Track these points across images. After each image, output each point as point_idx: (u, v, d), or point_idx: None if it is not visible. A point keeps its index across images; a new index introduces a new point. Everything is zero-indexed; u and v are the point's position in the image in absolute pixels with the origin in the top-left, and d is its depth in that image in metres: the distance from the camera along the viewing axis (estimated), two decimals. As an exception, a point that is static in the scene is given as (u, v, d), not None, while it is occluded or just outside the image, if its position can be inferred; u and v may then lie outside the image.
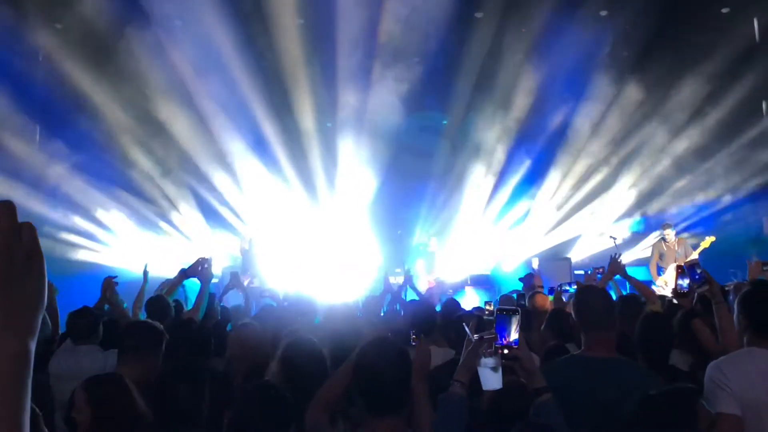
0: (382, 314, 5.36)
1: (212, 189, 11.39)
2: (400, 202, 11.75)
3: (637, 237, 11.35)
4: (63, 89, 9.86)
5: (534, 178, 11.70)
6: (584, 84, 10.83)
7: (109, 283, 4.96)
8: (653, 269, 9.25)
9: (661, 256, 9.27)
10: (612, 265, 4.91)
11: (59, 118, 10.21)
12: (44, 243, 0.73)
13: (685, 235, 10.46)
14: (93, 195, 10.63)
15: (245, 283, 6.58)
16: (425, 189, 11.78)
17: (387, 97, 10.51)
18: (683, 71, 10.35)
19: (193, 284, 5.08)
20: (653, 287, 6.88)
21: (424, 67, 10.69)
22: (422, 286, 9.48)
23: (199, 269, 4.77)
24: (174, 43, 9.90)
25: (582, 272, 8.34)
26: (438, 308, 5.23)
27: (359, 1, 9.83)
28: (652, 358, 3.17)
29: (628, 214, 11.63)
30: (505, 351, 2.19)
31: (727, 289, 4.19)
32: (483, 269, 11.02)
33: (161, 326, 3.31)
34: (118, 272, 9.18)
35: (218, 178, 11.25)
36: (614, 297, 4.13)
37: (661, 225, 9.69)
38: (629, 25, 10.18)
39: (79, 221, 10.60)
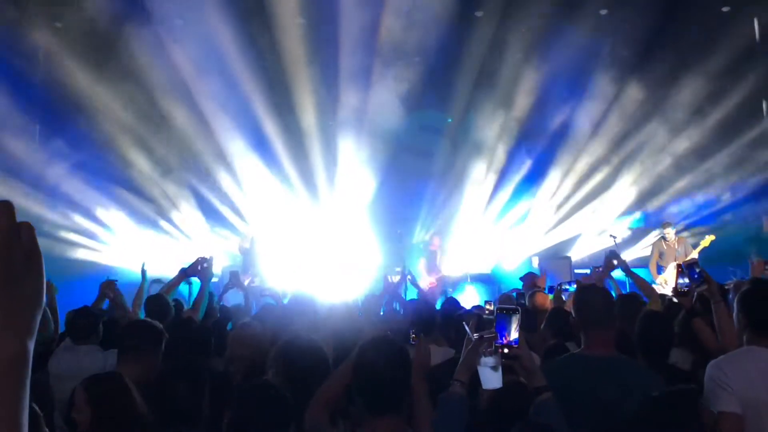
0: (381, 313, 5.36)
1: (213, 188, 11.38)
2: (400, 201, 11.74)
3: (637, 236, 11.34)
4: (63, 88, 9.86)
5: (534, 177, 11.69)
6: (584, 83, 10.82)
7: (110, 285, 4.96)
8: (653, 268, 9.25)
9: (661, 255, 9.27)
10: (607, 261, 4.90)
11: (59, 117, 10.21)
12: (44, 242, 0.73)
13: (685, 233, 10.46)
14: (93, 194, 10.61)
15: (246, 283, 6.58)
16: (426, 188, 11.77)
17: (387, 96, 10.51)
18: (683, 70, 10.35)
19: (198, 284, 5.08)
20: (653, 286, 6.88)
21: (424, 66, 10.69)
22: (424, 284, 9.49)
23: (198, 268, 4.78)
24: (174, 42, 9.89)
25: (587, 271, 8.35)
26: (438, 306, 5.24)
27: (360, 1, 9.83)
28: (651, 357, 3.17)
29: (629, 212, 11.63)
30: (505, 350, 2.19)
31: (726, 287, 4.19)
32: (483, 268, 11.02)
33: (161, 325, 3.32)
34: (118, 271, 9.25)
35: (219, 176, 11.25)
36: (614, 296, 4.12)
37: (661, 224, 9.70)
38: (629, 24, 10.18)
39: (79, 220, 10.59)
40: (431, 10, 9.84)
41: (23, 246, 0.73)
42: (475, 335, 2.24)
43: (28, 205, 9.35)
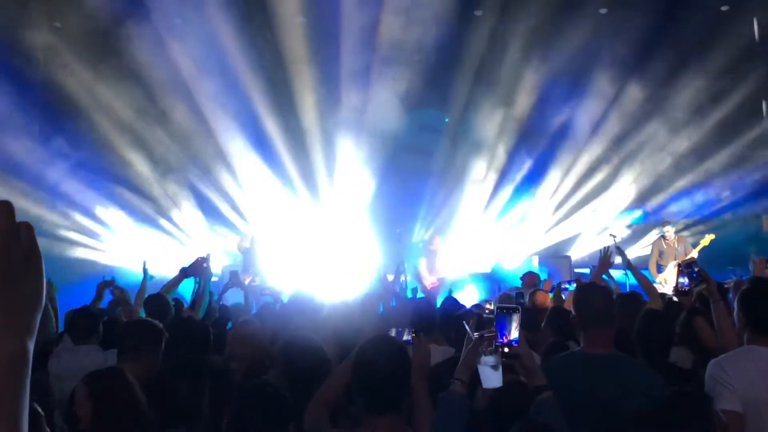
0: (380, 313, 5.35)
1: (213, 187, 11.38)
2: (400, 201, 11.72)
3: (636, 235, 11.34)
4: (63, 88, 9.86)
5: (534, 177, 11.69)
6: (584, 82, 10.82)
7: (110, 285, 4.96)
8: (653, 267, 9.25)
9: (660, 254, 9.27)
10: (603, 259, 4.90)
11: (59, 117, 10.20)
12: (43, 242, 0.73)
13: (685, 233, 10.46)
14: (93, 193, 10.61)
15: (246, 282, 6.58)
16: (425, 187, 11.76)
17: (387, 95, 10.51)
18: (683, 70, 10.35)
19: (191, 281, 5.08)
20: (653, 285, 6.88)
21: (424, 66, 10.69)
22: (425, 284, 9.49)
23: (198, 268, 4.78)
24: (174, 41, 9.89)
25: (587, 270, 8.35)
26: (438, 305, 5.23)
27: (360, 0, 9.84)
28: (651, 356, 3.17)
29: (629, 212, 11.63)
30: (506, 349, 2.19)
31: (726, 286, 4.20)
32: (483, 267, 11.01)
33: (161, 325, 3.31)
34: (118, 271, 9.25)
35: (219, 176, 11.24)
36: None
37: (661, 223, 9.70)
38: (629, 23, 10.18)
39: (79, 219, 10.58)
40: (431, 10, 9.84)
41: (23, 246, 0.73)
42: (476, 334, 2.24)
43: (28, 205, 9.34)
